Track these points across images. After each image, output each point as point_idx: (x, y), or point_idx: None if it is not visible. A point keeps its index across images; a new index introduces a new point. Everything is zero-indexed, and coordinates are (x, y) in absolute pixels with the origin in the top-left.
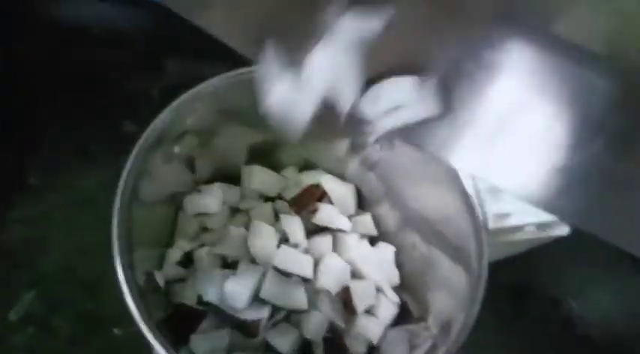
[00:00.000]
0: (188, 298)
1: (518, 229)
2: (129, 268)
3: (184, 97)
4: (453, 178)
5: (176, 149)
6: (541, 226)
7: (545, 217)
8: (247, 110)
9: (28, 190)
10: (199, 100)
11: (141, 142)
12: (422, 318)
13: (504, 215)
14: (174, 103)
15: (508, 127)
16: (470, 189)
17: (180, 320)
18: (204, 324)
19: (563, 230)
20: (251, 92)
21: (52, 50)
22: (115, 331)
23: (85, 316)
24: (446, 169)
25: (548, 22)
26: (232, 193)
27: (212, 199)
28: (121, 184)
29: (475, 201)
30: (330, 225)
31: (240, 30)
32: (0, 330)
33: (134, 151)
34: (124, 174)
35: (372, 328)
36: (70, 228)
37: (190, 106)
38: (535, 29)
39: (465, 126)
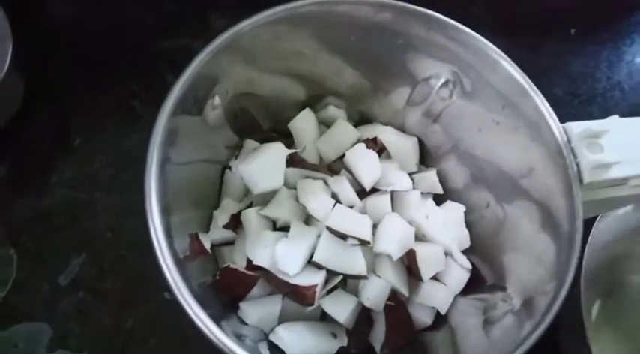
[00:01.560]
0: (237, 262)
1: (620, 182)
2: (165, 234)
3: (218, 41)
4: (537, 123)
5: (215, 101)
6: None
7: None
8: (292, 57)
9: (72, 151)
10: (234, 46)
11: (174, 92)
12: (497, 285)
13: (603, 166)
14: (208, 49)
15: None
16: (559, 135)
17: (229, 285)
18: (255, 290)
19: None
20: (295, 36)
21: (92, 5)
22: (167, 295)
23: (134, 279)
24: (529, 112)
25: None
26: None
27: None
28: (153, 141)
29: (566, 150)
30: (385, 187)
31: None
32: (50, 295)
33: (166, 104)
34: (156, 130)
35: (439, 296)
36: (115, 189)
37: (225, 52)
38: None
39: None
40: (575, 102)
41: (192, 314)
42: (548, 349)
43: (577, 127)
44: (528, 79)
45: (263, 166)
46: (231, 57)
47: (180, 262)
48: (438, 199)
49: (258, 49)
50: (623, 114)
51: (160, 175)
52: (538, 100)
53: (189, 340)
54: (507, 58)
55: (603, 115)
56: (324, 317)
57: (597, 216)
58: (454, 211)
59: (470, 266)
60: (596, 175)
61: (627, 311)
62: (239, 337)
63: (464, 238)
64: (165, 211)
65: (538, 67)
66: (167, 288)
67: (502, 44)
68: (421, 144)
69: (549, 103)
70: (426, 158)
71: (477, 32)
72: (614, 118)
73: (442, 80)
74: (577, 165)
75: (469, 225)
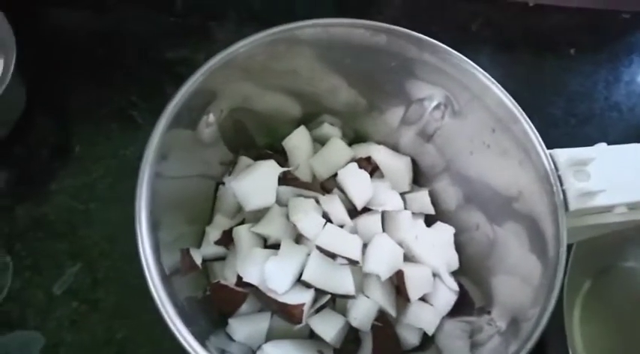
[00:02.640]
0: (228, 278)
1: (606, 209)
2: (153, 250)
3: (214, 60)
4: (526, 149)
5: (210, 119)
6: (635, 206)
7: None
8: (288, 75)
9: (72, 160)
10: (230, 64)
11: (168, 110)
12: (484, 309)
13: (589, 193)
14: (203, 68)
15: None
16: (547, 162)
17: (219, 301)
18: (244, 307)
19: None
20: (291, 56)
21: (95, 16)
22: None
23: (128, 290)
24: (518, 137)
25: None
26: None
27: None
28: (146, 158)
29: (553, 177)
30: (376, 207)
31: None
32: (44, 304)
33: (160, 122)
34: (148, 148)
35: (426, 317)
36: (112, 199)
37: (221, 71)
38: None
39: None
40: (573, 122)
41: (174, 329)
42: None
43: (564, 154)
44: (517, 105)
45: (255, 183)
46: (227, 75)
47: (167, 278)
48: (430, 219)
49: (254, 67)
50: (621, 135)
51: (151, 191)
52: (527, 126)
53: (180, 352)
54: (497, 83)
55: (600, 135)
56: (312, 335)
57: None
58: (444, 232)
59: (457, 288)
60: (581, 203)
61: (615, 292)
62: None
63: (452, 260)
64: (155, 227)
65: (536, 85)
66: None
67: (501, 62)
68: (415, 164)
69: (547, 122)
70: (419, 178)
71: (477, 50)
72: (602, 146)
73: (435, 102)
74: (563, 192)
75: (460, 246)
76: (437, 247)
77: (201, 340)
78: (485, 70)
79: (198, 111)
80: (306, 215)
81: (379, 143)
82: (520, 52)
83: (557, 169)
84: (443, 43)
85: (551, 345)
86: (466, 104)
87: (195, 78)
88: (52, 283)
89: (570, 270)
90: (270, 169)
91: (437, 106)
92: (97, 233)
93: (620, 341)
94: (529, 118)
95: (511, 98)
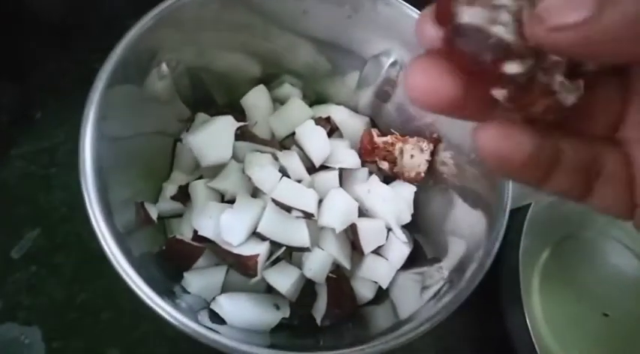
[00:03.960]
0: (184, 233)
1: None
2: (102, 210)
3: (162, 6)
4: None
5: (162, 69)
6: None
7: None
8: (243, 30)
9: (33, 126)
10: (181, 13)
11: (113, 57)
12: (435, 258)
13: None
14: (150, 14)
15: None
16: None
17: (175, 256)
18: (201, 261)
19: None
20: (244, 8)
21: None
22: None
23: (88, 254)
24: None
25: None
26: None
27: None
28: (85, 118)
29: None
30: (333, 164)
31: None
32: (1, 268)
33: (103, 71)
34: (88, 106)
35: (381, 271)
36: (72, 164)
37: (171, 19)
38: None
39: None
40: None
41: (128, 279)
42: (491, 308)
43: None
44: None
45: (212, 137)
46: (178, 25)
47: (121, 236)
48: (391, 180)
49: (206, 19)
50: None
51: (96, 152)
52: None
53: (140, 315)
54: None
55: None
56: (269, 291)
57: None
58: (402, 189)
59: (409, 240)
60: None
61: (574, 260)
62: (173, 300)
63: (404, 214)
64: (105, 188)
65: None
66: None
67: None
68: (375, 126)
69: None
70: None
71: None
72: None
73: (391, 59)
74: None
75: (418, 205)
76: (388, 201)
77: (156, 290)
78: None
79: (147, 63)
80: (262, 169)
81: (339, 105)
82: None
83: None
84: None
85: (509, 311)
86: None
87: (142, 23)
88: (10, 248)
89: (529, 238)
90: (227, 124)
91: (393, 64)
92: (57, 198)
93: (578, 308)
94: None
95: None
